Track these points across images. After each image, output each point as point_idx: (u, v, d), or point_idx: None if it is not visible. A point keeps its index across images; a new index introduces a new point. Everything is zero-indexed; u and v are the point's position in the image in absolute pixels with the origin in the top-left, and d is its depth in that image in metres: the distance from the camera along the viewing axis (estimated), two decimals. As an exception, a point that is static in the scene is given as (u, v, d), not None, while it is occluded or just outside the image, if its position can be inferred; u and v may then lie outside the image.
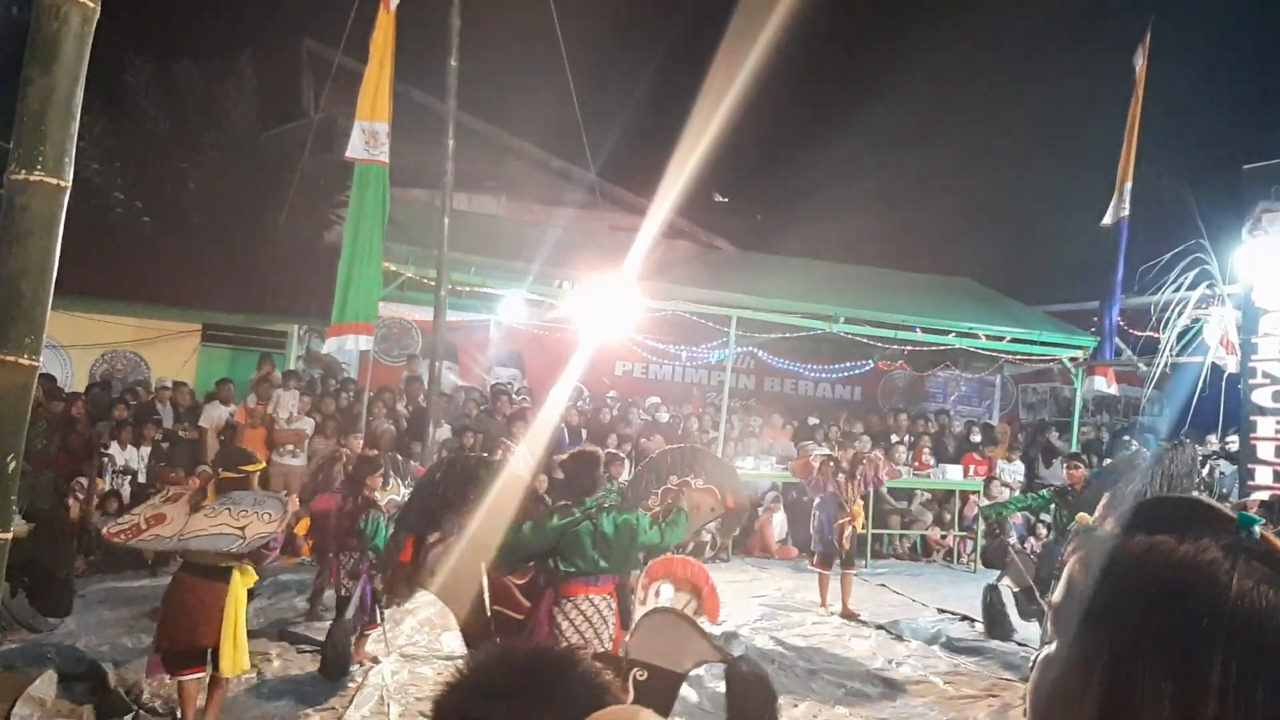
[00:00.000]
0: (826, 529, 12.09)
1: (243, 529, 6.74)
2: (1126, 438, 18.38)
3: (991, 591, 11.33)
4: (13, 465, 3.25)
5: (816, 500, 12.40)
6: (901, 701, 8.86)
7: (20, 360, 3.21)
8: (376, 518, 9.04)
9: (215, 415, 14.71)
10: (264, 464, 8.14)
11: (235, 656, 6.91)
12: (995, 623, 11.14)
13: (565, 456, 6.89)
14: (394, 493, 9.71)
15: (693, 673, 6.40)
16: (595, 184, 20.05)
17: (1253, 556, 1.08)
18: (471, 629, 6.61)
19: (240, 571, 6.96)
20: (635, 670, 5.91)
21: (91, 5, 3.33)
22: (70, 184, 3.29)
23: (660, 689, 5.90)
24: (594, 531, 6.36)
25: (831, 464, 12.28)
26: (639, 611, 7.07)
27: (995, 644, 10.68)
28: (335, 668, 8.42)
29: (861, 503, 12.32)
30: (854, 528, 11.99)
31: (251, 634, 7.67)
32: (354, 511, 9.18)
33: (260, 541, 6.81)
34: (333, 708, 7.86)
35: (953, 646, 10.66)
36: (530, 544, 6.39)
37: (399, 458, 10.50)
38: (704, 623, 6.93)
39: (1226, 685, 1.02)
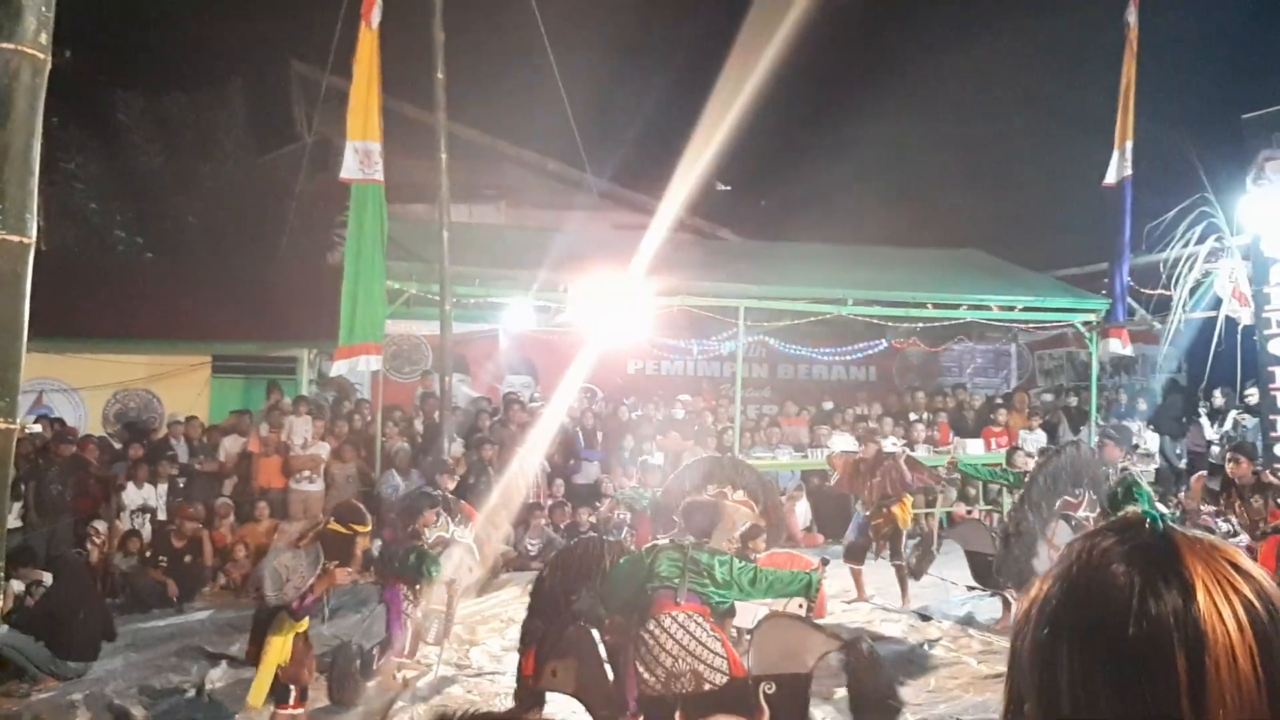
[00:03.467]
0: (859, 526, 11.96)
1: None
2: (1119, 401, 18.31)
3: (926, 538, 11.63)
4: (-4, 531, 3.18)
5: (857, 498, 12.29)
6: (936, 684, 8.80)
7: (-4, 424, 3.15)
8: (422, 552, 8.97)
9: (231, 447, 14.70)
10: (370, 528, 8.14)
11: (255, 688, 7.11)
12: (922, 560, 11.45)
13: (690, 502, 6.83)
14: (443, 529, 9.59)
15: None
16: (595, 184, 19.98)
17: (1152, 555, 1.10)
18: (590, 690, 6.58)
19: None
20: (764, 685, 5.86)
21: (42, 57, 3.26)
22: (34, 240, 3.23)
23: (791, 696, 5.88)
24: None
25: (860, 465, 12.05)
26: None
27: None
28: (337, 688, 8.39)
29: (888, 505, 11.77)
30: (892, 525, 11.72)
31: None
32: (401, 541, 9.15)
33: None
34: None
35: (984, 625, 10.57)
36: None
37: (450, 497, 10.42)
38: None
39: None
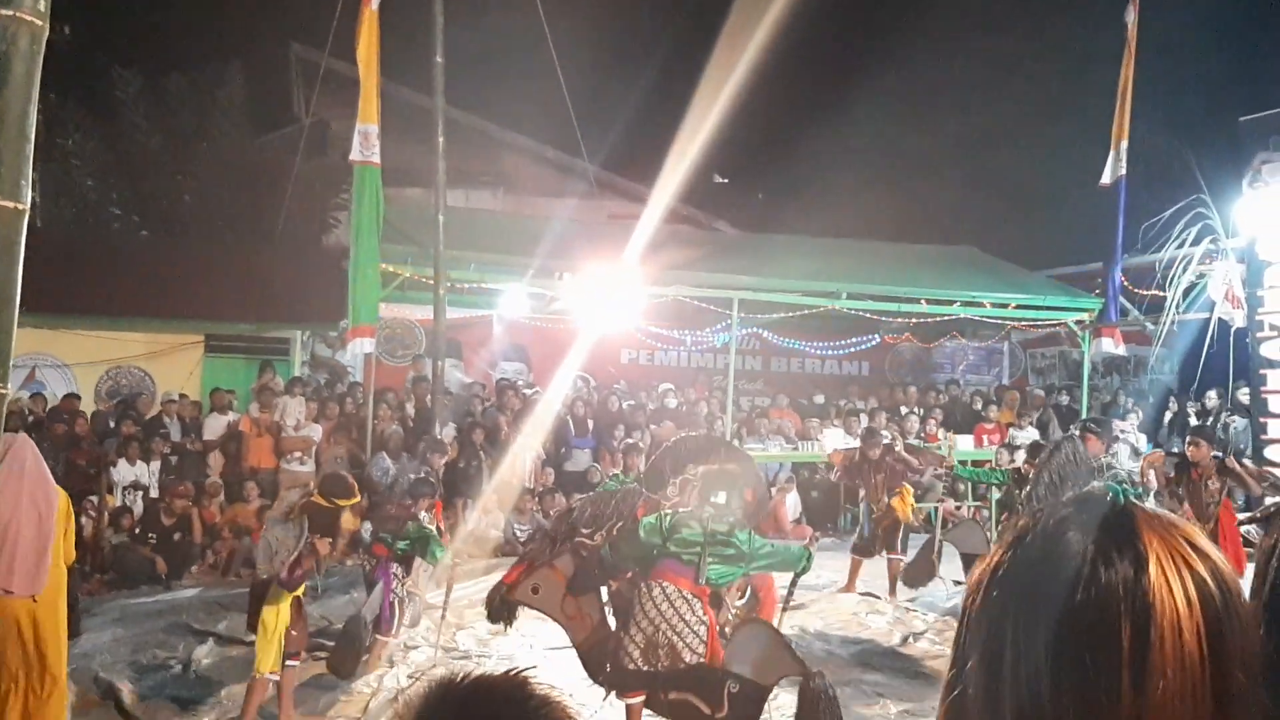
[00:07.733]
0: (865, 518, 11.99)
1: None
2: (1117, 403, 18.31)
3: (929, 545, 11.42)
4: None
5: (862, 491, 12.30)
6: (921, 677, 8.82)
7: (-13, 389, 3.16)
8: (426, 535, 8.95)
9: (216, 426, 14.71)
10: (359, 499, 8.19)
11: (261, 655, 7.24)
12: (921, 569, 11.26)
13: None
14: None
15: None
16: (592, 173, 19.96)
17: (1109, 526, 1.09)
18: (591, 646, 6.63)
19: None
20: (729, 682, 5.94)
21: (40, 24, 3.26)
22: (28, 207, 3.24)
23: (749, 702, 5.99)
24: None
25: (862, 462, 12.05)
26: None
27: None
28: (339, 661, 8.35)
29: (889, 497, 11.85)
30: (892, 519, 11.75)
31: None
32: (396, 519, 9.15)
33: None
34: (347, 715, 7.83)
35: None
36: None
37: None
38: None
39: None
